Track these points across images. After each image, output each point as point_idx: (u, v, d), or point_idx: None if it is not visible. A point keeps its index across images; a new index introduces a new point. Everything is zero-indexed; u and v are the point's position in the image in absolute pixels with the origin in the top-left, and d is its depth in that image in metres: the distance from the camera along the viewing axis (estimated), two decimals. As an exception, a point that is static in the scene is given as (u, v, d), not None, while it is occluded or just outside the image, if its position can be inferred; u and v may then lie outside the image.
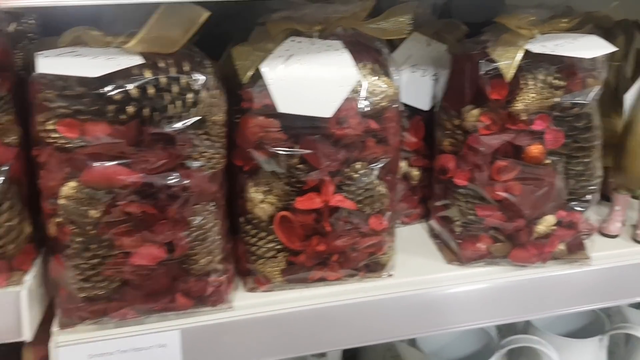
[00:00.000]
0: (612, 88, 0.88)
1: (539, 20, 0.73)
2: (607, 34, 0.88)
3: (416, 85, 0.82)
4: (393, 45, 0.81)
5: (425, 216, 0.89)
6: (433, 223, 0.84)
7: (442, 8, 0.89)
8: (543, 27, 0.72)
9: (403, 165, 0.86)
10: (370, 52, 0.69)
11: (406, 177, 0.87)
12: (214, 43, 0.70)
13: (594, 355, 0.95)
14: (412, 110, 0.84)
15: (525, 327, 0.99)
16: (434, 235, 0.85)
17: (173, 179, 0.60)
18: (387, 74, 0.69)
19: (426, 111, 0.84)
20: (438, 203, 0.81)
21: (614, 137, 0.84)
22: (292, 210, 0.67)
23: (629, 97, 0.81)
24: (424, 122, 0.85)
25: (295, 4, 0.66)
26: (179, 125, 0.59)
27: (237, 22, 0.73)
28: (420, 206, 0.89)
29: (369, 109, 0.66)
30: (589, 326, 1.02)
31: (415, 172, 0.87)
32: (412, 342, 0.96)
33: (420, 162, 0.86)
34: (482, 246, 0.76)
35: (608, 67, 0.88)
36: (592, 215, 0.89)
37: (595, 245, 0.80)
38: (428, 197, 0.86)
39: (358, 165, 0.68)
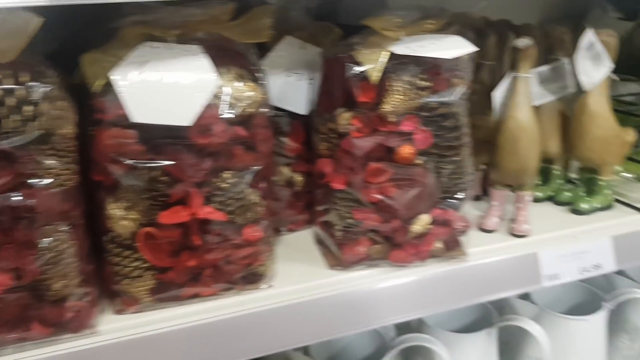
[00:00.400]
0: (487, 87, 0.91)
1: (406, 21, 0.73)
2: (480, 35, 0.90)
3: (292, 90, 0.81)
4: (267, 49, 0.79)
5: (312, 222, 0.87)
6: (317, 229, 0.83)
7: (317, 10, 0.88)
8: (409, 28, 0.72)
9: (286, 171, 0.85)
10: (235, 57, 0.67)
11: (290, 183, 0.86)
12: (75, 51, 0.66)
13: (483, 348, 0.97)
14: (291, 115, 0.82)
15: (419, 325, 1.00)
16: (319, 241, 0.83)
17: (15, 199, 0.55)
18: (254, 79, 0.67)
19: (306, 115, 0.83)
20: (320, 208, 0.80)
21: (490, 135, 0.86)
22: (156, 225, 0.63)
23: (497, 96, 0.83)
24: (304, 126, 0.83)
25: (149, 7, 0.63)
26: (18, 140, 0.54)
27: (99, 28, 0.69)
28: (306, 212, 0.88)
29: (234, 115, 0.64)
30: (480, 320, 1.04)
31: (299, 178, 0.85)
32: (306, 351, 0.94)
33: (302, 167, 0.85)
34: (361, 249, 0.75)
35: (482, 66, 0.91)
36: (473, 211, 0.92)
37: (474, 241, 0.81)
38: (313, 202, 0.85)
39: (227, 174, 0.65)
